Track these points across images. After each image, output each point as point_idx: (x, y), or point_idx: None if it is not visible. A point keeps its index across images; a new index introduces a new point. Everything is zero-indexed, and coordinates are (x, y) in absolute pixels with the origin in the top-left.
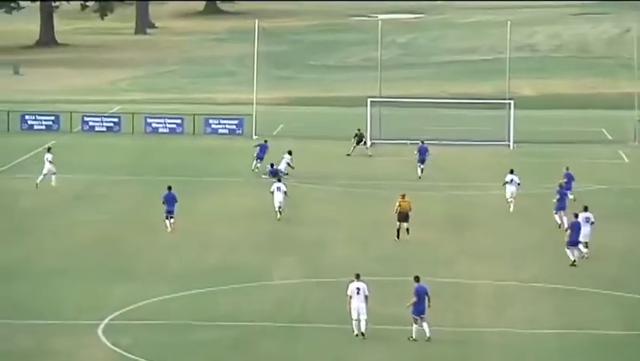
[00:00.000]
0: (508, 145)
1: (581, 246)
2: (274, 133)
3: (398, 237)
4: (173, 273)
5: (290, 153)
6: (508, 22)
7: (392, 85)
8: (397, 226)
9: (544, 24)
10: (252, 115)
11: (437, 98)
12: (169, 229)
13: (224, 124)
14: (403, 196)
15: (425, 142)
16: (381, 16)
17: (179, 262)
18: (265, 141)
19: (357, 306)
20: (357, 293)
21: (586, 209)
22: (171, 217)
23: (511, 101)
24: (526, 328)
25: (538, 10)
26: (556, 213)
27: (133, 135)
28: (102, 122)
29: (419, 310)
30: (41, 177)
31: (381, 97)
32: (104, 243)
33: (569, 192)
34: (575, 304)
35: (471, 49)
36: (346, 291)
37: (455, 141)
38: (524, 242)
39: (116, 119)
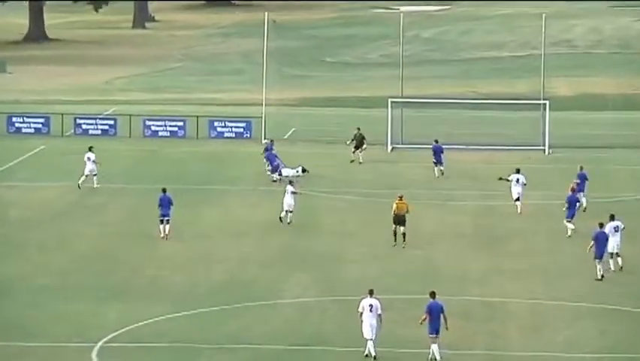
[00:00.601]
0: (543, 150)
1: (611, 259)
2: (285, 137)
3: (395, 240)
4: (174, 290)
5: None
6: (543, 15)
7: (415, 84)
8: (393, 229)
9: (582, 17)
10: (261, 117)
11: (465, 99)
12: (162, 234)
13: (231, 127)
14: (401, 198)
15: (439, 142)
16: (403, 8)
17: (181, 279)
18: (271, 141)
19: (370, 324)
20: (370, 311)
21: (612, 218)
22: (167, 222)
23: (547, 102)
24: (564, 351)
25: (576, 2)
26: (569, 222)
27: (130, 139)
28: (96, 124)
29: (433, 329)
30: (83, 177)
31: (403, 97)
32: (99, 258)
33: (582, 193)
34: (618, 325)
35: (502, 44)
36: (357, 308)
37: (485, 145)
38: (561, 257)
39: (111, 122)
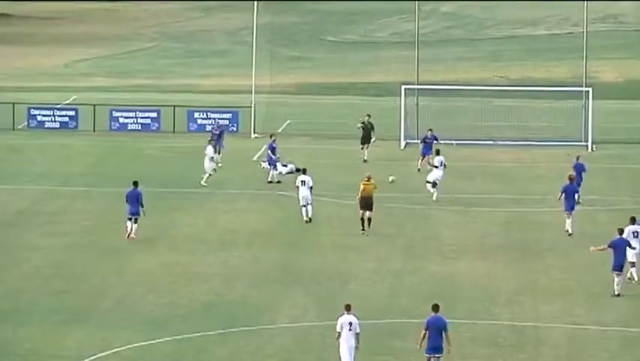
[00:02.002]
0: (586, 146)
1: (632, 270)
2: (280, 130)
3: (363, 228)
4: (150, 313)
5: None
6: None
7: (433, 68)
8: (360, 215)
9: None
10: (250, 107)
11: (492, 85)
12: (128, 233)
13: (214, 118)
14: (368, 178)
15: (433, 130)
16: None
17: (157, 299)
18: (272, 137)
19: (349, 346)
20: (350, 330)
21: (634, 220)
22: (135, 220)
23: (590, 89)
24: None
25: None
26: (568, 218)
27: (94, 134)
28: (54, 116)
29: (431, 347)
30: (271, 173)
31: (418, 84)
32: (56, 275)
33: (578, 187)
34: None
35: (537, 20)
36: (336, 327)
37: (516, 140)
38: (606, 273)
39: (71, 113)
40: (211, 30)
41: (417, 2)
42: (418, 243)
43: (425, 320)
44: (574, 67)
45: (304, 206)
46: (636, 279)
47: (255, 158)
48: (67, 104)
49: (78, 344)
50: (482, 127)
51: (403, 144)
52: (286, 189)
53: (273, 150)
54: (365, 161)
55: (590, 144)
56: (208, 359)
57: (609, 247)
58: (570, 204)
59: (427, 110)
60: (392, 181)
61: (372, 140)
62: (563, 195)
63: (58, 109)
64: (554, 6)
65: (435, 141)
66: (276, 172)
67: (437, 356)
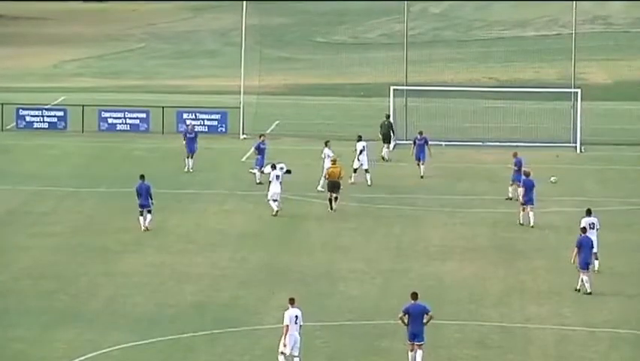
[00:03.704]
0: (575, 147)
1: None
2: (268, 131)
3: (331, 207)
4: (137, 314)
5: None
6: None
7: (422, 69)
8: (328, 196)
9: None
10: (238, 108)
11: (481, 86)
12: (142, 227)
13: (203, 119)
14: (334, 161)
15: (422, 132)
16: None
17: (143, 300)
18: (261, 137)
19: (295, 338)
20: (295, 323)
21: (589, 213)
22: (148, 212)
23: (578, 91)
24: None
25: None
26: (524, 210)
27: (83, 134)
28: (43, 116)
29: (412, 333)
30: (258, 174)
31: (407, 85)
32: (45, 275)
33: (517, 183)
34: None
35: (525, 22)
36: (283, 320)
37: (504, 141)
38: (596, 273)
39: (60, 113)
40: (200, 31)
41: (406, 3)
42: (406, 244)
43: (404, 307)
44: (563, 68)
45: (274, 201)
46: (596, 268)
47: (243, 159)
48: (55, 104)
49: (67, 344)
50: (471, 128)
51: (392, 145)
52: None
53: (261, 150)
54: (385, 160)
55: (578, 145)
56: (196, 359)
57: (576, 246)
58: (529, 197)
59: (416, 111)
60: (554, 182)
61: (393, 139)
62: (524, 189)
63: (46, 109)
64: (543, 7)
65: (426, 144)
66: (259, 174)
67: (419, 343)
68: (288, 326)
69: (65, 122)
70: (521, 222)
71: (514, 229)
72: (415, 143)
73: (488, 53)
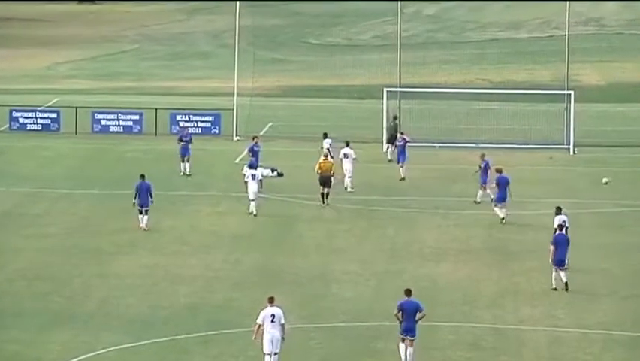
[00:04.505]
0: (568, 149)
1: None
2: (262, 133)
3: (323, 202)
4: (131, 316)
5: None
6: None
7: (416, 71)
8: (320, 190)
9: None
10: (232, 109)
11: (474, 88)
12: (142, 225)
13: (196, 121)
14: (325, 157)
15: (403, 133)
16: None
17: (137, 302)
18: (254, 139)
19: (272, 337)
20: (272, 321)
21: (559, 211)
22: (145, 212)
23: (572, 92)
24: None
25: None
26: (496, 207)
27: (76, 136)
28: (36, 118)
29: (405, 328)
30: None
31: (401, 86)
32: (39, 277)
33: (485, 185)
34: None
35: (519, 23)
36: (256, 319)
37: (497, 143)
38: (588, 275)
39: (54, 115)
40: (193, 32)
41: (399, 4)
42: (400, 245)
43: (399, 303)
44: (556, 70)
45: (253, 200)
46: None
47: (237, 160)
48: (49, 106)
49: (61, 346)
50: (464, 130)
51: (385, 147)
52: (268, 191)
53: (254, 152)
54: (390, 161)
55: (571, 147)
56: None
57: (551, 244)
58: (501, 195)
59: (410, 112)
60: (607, 183)
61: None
62: (497, 186)
63: (40, 111)
64: (536, 9)
65: (407, 144)
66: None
67: (411, 338)
68: (260, 325)
69: (58, 124)
70: (501, 216)
71: (508, 231)
72: (395, 145)
73: (482, 55)
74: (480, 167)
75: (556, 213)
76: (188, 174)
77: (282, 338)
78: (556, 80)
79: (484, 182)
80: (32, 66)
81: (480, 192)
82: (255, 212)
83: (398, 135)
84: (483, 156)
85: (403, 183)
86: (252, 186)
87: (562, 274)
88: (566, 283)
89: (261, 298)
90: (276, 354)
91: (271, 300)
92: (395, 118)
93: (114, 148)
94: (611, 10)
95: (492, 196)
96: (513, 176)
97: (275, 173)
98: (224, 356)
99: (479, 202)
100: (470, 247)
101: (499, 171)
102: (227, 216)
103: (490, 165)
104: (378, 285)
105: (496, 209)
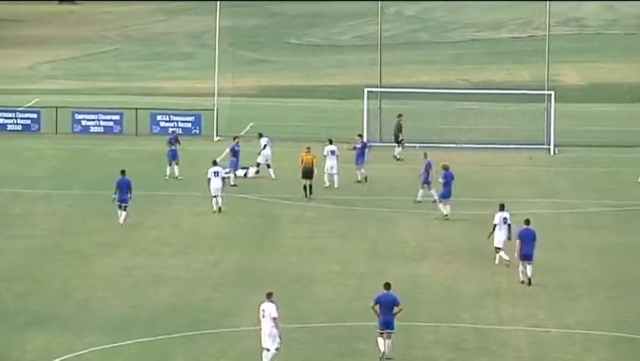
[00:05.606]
0: (548, 149)
1: (502, 253)
2: (242, 133)
3: (306, 195)
4: (111, 317)
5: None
6: None
7: (396, 71)
8: (303, 183)
9: None
10: (212, 110)
11: (455, 88)
12: (121, 221)
13: (177, 121)
14: (308, 149)
15: (361, 135)
16: None
17: (121, 302)
18: (235, 140)
19: (265, 332)
20: (263, 316)
21: (502, 208)
22: (124, 208)
23: (552, 92)
24: None
25: None
26: (440, 203)
27: (56, 136)
28: (16, 118)
29: (383, 322)
30: (232, 176)
31: (381, 86)
32: (18, 277)
33: (427, 185)
34: (637, 358)
35: (499, 24)
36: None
37: (478, 143)
38: (569, 274)
39: (34, 115)
40: (174, 33)
41: (379, 4)
42: (381, 246)
43: (376, 296)
44: (536, 70)
45: (215, 197)
46: (506, 259)
47: (218, 160)
48: (29, 106)
49: (41, 347)
50: (445, 130)
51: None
52: (249, 192)
53: (235, 152)
54: (398, 160)
55: (552, 147)
56: None
57: (517, 238)
58: (447, 191)
59: (391, 113)
60: None
61: (400, 139)
62: (443, 182)
63: (20, 111)
64: (517, 9)
65: (366, 148)
66: (233, 176)
67: (389, 331)
68: (260, 320)
69: (39, 124)
70: (445, 213)
71: (488, 231)
72: (354, 147)
73: (462, 55)
74: (424, 167)
75: (500, 210)
76: (177, 177)
77: (278, 335)
78: (536, 80)
79: (426, 181)
80: (12, 66)
81: (424, 191)
82: (216, 209)
83: (357, 137)
84: (425, 155)
85: (384, 183)
86: (215, 183)
87: (527, 268)
88: (530, 278)
89: (241, 298)
90: (270, 350)
91: (268, 295)
92: (399, 116)
93: (94, 148)
94: (592, 10)
95: (435, 197)
96: (493, 177)
97: (252, 171)
98: (206, 356)
99: (420, 201)
100: (451, 247)
101: (445, 167)
102: (208, 216)
103: (432, 164)
104: (360, 285)
105: (440, 206)
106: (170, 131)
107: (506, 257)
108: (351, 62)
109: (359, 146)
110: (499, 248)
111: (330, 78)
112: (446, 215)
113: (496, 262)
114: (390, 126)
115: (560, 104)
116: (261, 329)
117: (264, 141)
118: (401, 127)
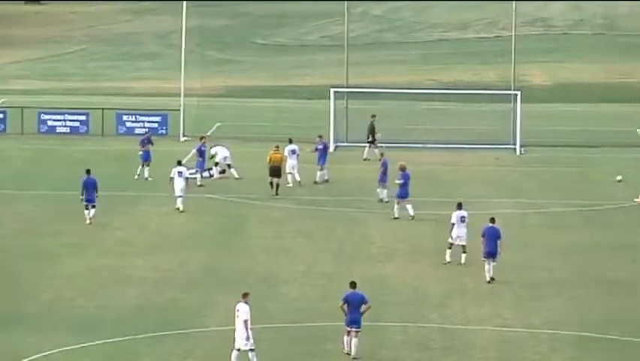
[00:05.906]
0: (514, 149)
1: (448, 249)
2: (209, 133)
3: (276, 193)
4: (76, 318)
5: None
6: None
7: (363, 71)
8: (269, 180)
9: None
10: (179, 110)
11: (422, 88)
12: (87, 221)
13: (143, 121)
14: (277, 147)
15: (322, 136)
16: None
17: (87, 303)
18: (202, 140)
19: (241, 333)
20: (237, 317)
21: (460, 206)
22: (92, 207)
23: (518, 93)
24: None
25: None
26: (398, 203)
27: (23, 136)
28: None
29: (350, 320)
30: (199, 176)
31: (348, 86)
32: None
33: (383, 184)
34: (602, 357)
35: (466, 24)
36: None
37: (444, 143)
38: (534, 274)
39: (0, 116)
40: (140, 33)
41: (346, 4)
42: (348, 246)
43: (344, 295)
44: (503, 70)
45: (179, 197)
46: (448, 259)
47: (184, 161)
48: None
49: (7, 347)
50: (412, 130)
51: (332, 147)
52: (216, 192)
53: (202, 152)
54: (365, 160)
55: (518, 147)
56: None
57: (482, 236)
58: (404, 191)
59: (359, 113)
60: (620, 180)
61: (373, 140)
62: (401, 182)
63: None
64: (483, 9)
65: (327, 149)
66: (200, 176)
67: (356, 329)
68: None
69: (5, 125)
70: (396, 215)
71: None
72: (315, 149)
73: (429, 55)
74: (381, 166)
75: (457, 208)
76: (147, 178)
77: (248, 336)
78: (503, 81)
79: (383, 180)
80: None
81: (381, 190)
82: (181, 208)
83: (318, 138)
84: (382, 154)
85: (351, 183)
86: (178, 183)
87: (491, 265)
88: (492, 277)
89: (208, 298)
90: (241, 350)
91: (244, 295)
92: (373, 116)
93: (60, 149)
94: (558, 10)
95: (381, 196)
96: (460, 176)
97: (216, 171)
98: (172, 356)
99: (382, 200)
100: (418, 246)
101: (402, 168)
102: (175, 217)
103: (388, 164)
104: (327, 285)
105: (396, 205)
106: (144, 132)
107: (448, 258)
108: (319, 62)
109: (320, 147)
110: (451, 245)
111: (299, 78)
112: (396, 217)
113: (447, 258)
114: (358, 126)
115: (525, 104)
116: (235, 329)
117: (217, 148)
118: (374, 128)
